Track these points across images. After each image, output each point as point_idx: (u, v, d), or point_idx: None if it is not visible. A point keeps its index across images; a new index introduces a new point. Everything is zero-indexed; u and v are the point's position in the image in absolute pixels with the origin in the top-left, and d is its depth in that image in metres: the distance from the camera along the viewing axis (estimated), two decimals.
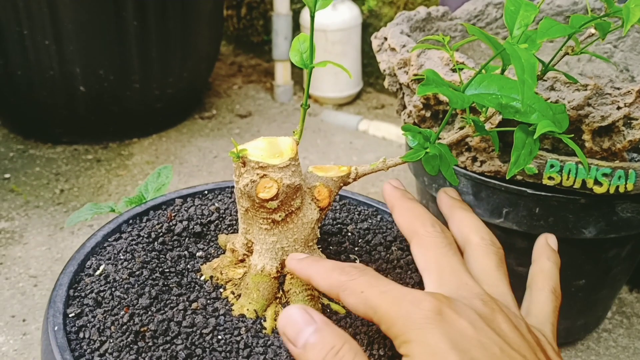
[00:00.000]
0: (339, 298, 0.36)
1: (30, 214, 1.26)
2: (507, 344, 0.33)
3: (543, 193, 0.71)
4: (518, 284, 0.85)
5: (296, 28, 1.88)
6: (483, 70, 0.41)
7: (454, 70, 0.68)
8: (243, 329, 0.41)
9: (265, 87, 1.91)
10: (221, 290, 0.45)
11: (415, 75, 0.71)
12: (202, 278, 0.46)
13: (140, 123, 1.58)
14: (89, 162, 1.47)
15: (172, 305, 0.42)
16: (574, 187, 0.66)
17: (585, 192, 0.67)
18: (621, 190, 0.66)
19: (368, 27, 1.80)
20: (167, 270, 0.46)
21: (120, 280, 0.44)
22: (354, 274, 0.36)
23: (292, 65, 1.84)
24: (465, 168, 0.74)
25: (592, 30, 0.53)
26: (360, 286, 0.35)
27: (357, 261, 0.49)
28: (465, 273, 0.37)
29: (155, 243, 0.48)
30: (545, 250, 0.42)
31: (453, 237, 0.41)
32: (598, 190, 0.66)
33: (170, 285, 0.44)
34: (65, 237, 1.19)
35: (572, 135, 0.43)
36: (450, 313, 0.33)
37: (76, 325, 0.40)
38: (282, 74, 1.80)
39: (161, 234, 0.49)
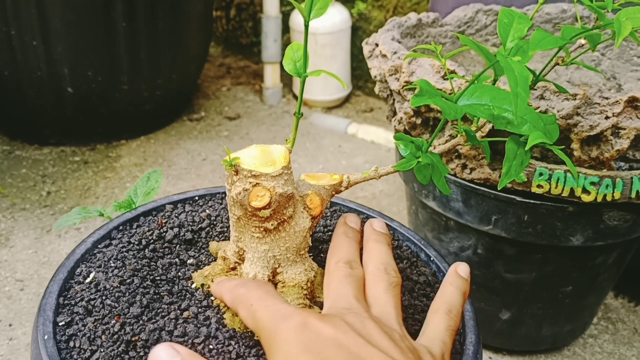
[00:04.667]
0: (238, 312, 0.38)
1: (16, 216, 1.25)
2: (368, 342, 0.34)
3: (532, 201, 0.71)
4: (506, 290, 0.85)
5: (286, 30, 1.88)
6: (475, 81, 0.41)
7: (445, 78, 0.68)
8: (235, 338, 0.41)
9: (254, 89, 1.91)
10: (212, 298, 0.44)
11: (406, 82, 0.72)
12: (193, 286, 0.45)
13: (128, 125, 1.57)
14: (76, 164, 1.46)
15: (163, 314, 0.42)
16: (562, 195, 0.67)
17: (573, 200, 0.68)
18: (608, 198, 0.67)
19: (357, 30, 1.80)
20: (158, 278, 0.46)
21: (111, 288, 0.43)
22: (251, 287, 0.39)
23: (281, 67, 1.84)
24: (455, 175, 0.74)
25: (582, 41, 0.53)
26: (251, 299, 0.38)
27: None
28: (353, 298, 0.39)
29: (146, 250, 0.48)
30: (449, 278, 0.44)
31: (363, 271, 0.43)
32: (586, 198, 0.67)
33: (162, 294, 0.44)
34: (52, 240, 1.18)
35: (563, 147, 0.43)
36: (315, 322, 0.35)
37: (66, 334, 0.40)
38: (271, 76, 1.80)
39: (152, 241, 0.49)
